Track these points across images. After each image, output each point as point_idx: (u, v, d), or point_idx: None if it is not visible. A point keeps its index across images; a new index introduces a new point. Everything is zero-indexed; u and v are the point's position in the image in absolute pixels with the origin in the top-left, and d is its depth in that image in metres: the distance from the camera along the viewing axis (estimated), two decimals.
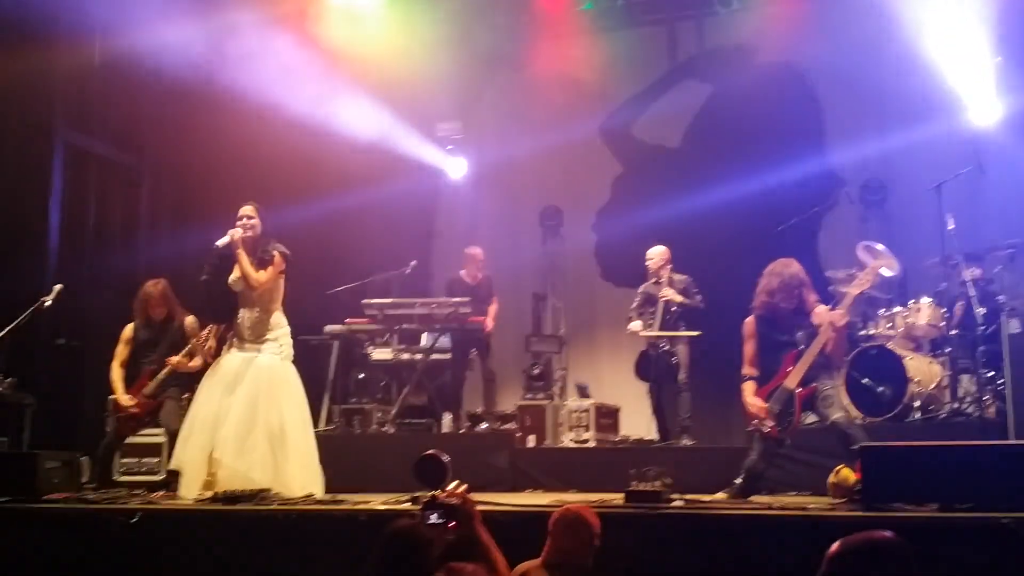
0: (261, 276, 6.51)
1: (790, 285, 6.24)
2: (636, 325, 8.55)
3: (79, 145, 9.87)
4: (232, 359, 6.59)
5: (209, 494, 6.22)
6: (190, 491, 6.39)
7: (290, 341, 6.74)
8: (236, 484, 6.19)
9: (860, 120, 10.07)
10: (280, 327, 6.68)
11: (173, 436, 7.53)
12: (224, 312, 6.70)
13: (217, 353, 6.95)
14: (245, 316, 6.61)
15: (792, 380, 6.08)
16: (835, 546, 2.84)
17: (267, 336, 6.60)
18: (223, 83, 9.40)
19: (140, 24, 9.09)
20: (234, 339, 6.65)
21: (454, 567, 3.35)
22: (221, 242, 6.51)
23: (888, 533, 2.87)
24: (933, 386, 7.77)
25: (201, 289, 6.73)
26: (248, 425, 6.38)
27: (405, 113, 10.66)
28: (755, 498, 6.11)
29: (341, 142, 10.19)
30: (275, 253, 6.58)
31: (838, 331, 6.15)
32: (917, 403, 7.65)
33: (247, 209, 6.66)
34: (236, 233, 6.51)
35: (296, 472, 6.43)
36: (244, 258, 6.48)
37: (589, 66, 10.91)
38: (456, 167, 11.32)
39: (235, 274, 6.56)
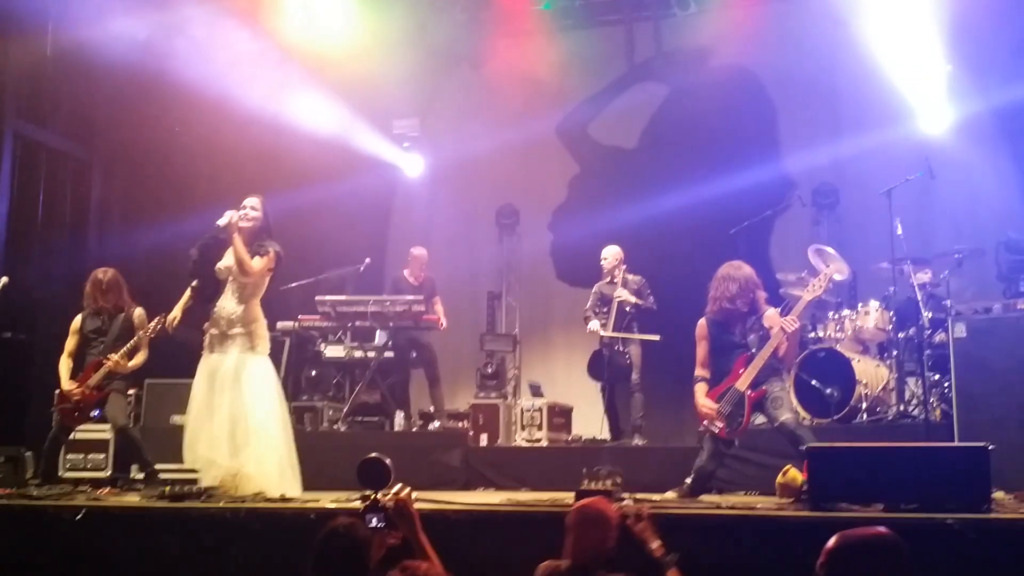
0: (255, 264, 6.45)
1: (746, 288, 6.30)
2: (595, 325, 8.57)
3: (29, 136, 9.71)
4: (214, 358, 6.53)
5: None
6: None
7: (266, 334, 6.67)
8: (243, 485, 6.22)
9: (813, 125, 10.19)
10: (257, 320, 6.61)
11: (119, 432, 7.47)
12: (205, 296, 6.62)
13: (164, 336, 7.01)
14: (224, 305, 6.54)
15: (743, 382, 6.13)
16: (833, 540, 2.90)
17: (242, 328, 6.52)
18: (176, 76, 9.30)
19: (93, 15, 8.97)
20: (210, 328, 6.58)
21: (408, 565, 3.34)
22: (221, 221, 6.40)
23: (884, 529, 2.94)
24: (880, 388, 7.88)
25: (188, 268, 6.64)
26: (232, 423, 6.35)
27: (362, 109, 10.60)
28: (704, 498, 6.16)
29: (297, 137, 10.11)
30: (270, 249, 6.55)
31: (790, 335, 6.21)
32: (864, 405, 7.75)
33: (252, 200, 6.62)
34: (233, 216, 6.43)
35: (274, 467, 6.39)
36: (239, 243, 6.40)
37: (547, 65, 10.92)
38: (413, 165, 11.28)
39: (225, 261, 6.51)
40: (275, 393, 6.62)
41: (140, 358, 7.26)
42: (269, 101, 9.76)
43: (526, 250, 11.26)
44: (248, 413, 6.38)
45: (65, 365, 7.27)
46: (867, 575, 2.82)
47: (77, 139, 10.28)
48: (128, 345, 7.15)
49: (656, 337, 8.47)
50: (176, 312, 6.99)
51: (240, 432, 6.35)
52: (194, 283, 6.77)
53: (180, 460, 8.12)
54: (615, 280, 8.61)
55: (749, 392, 6.12)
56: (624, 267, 8.67)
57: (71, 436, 7.76)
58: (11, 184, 9.41)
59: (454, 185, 11.37)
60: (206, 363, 6.56)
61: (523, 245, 11.27)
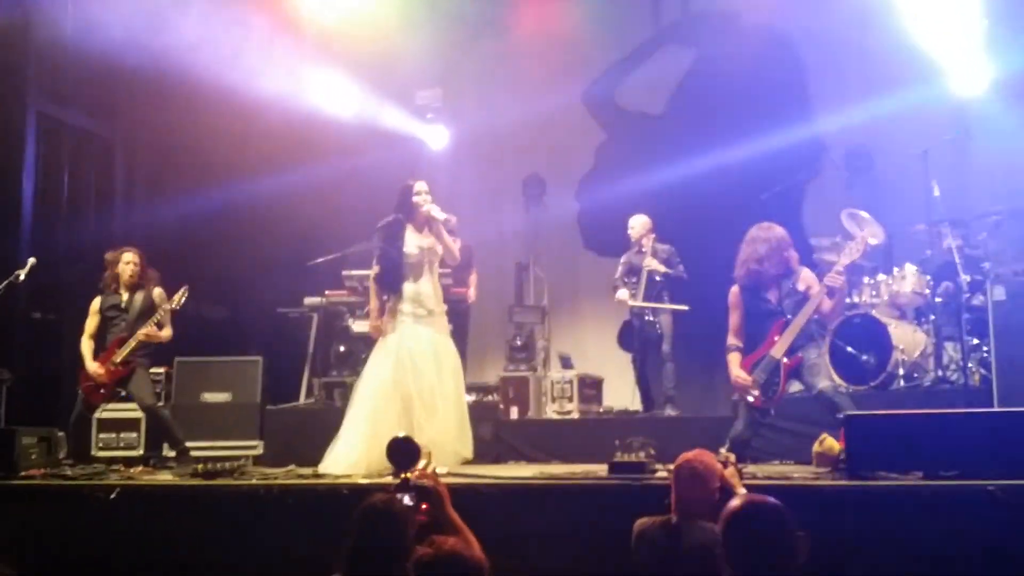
0: (457, 250, 6.81)
1: (776, 249, 6.18)
2: (624, 294, 8.49)
3: (52, 116, 9.69)
4: (408, 338, 6.58)
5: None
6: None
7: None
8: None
9: (845, 86, 9.97)
10: (443, 302, 6.87)
11: (147, 410, 7.50)
12: (393, 281, 6.70)
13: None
14: (419, 288, 6.65)
15: (779, 350, 6.04)
16: (734, 503, 3.10)
17: (438, 309, 6.72)
18: (197, 54, 9.23)
19: None
20: (399, 309, 6.64)
21: (437, 539, 3.32)
22: (439, 216, 6.68)
23: (771, 499, 3.11)
24: (917, 354, 7.75)
25: (377, 256, 6.80)
26: (437, 397, 6.49)
27: (384, 81, 10.50)
28: (741, 467, 6.08)
29: (319, 111, 10.04)
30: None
31: (838, 290, 6.10)
32: (901, 371, 7.64)
33: (423, 185, 6.79)
34: (435, 210, 6.69)
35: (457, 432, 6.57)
36: (446, 233, 6.72)
37: (571, 31, 10.77)
38: (437, 136, 11.18)
39: (424, 244, 6.66)
40: (459, 367, 6.88)
41: (167, 332, 7.30)
42: (290, 77, 9.67)
43: (553, 220, 11.14)
44: (449, 394, 6.57)
45: (87, 346, 7.34)
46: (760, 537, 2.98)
47: (99, 118, 10.24)
48: (153, 319, 7.18)
49: (685, 307, 8.38)
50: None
51: (438, 405, 6.49)
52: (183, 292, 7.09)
53: (213, 437, 8.26)
54: (644, 250, 8.51)
55: (785, 360, 6.03)
56: (653, 236, 8.57)
57: (101, 415, 7.81)
58: (36, 164, 9.41)
59: (479, 155, 11.27)
60: (393, 338, 6.61)
61: (550, 215, 11.15)
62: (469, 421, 6.77)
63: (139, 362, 7.24)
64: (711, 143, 9.76)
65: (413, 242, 6.67)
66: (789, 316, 6.08)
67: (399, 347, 6.56)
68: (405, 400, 6.44)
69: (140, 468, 7.04)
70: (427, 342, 6.58)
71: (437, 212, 6.68)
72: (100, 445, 8.32)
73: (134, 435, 8.40)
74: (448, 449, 6.33)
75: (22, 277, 7.55)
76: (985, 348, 7.25)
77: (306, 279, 9.44)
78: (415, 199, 6.69)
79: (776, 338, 6.06)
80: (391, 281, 6.70)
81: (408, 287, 6.63)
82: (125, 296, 7.35)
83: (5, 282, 7.48)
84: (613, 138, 11.18)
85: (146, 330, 7.14)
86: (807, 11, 9.95)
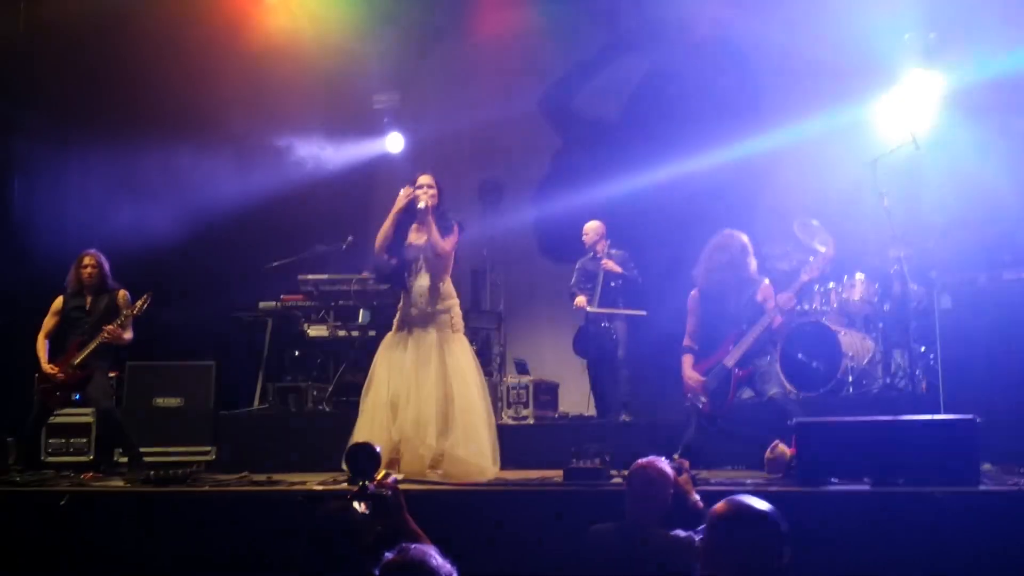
0: (446, 243, 6.47)
1: (738, 257, 6.28)
2: (582, 300, 8.54)
3: (3, 114, 9.53)
4: (411, 336, 6.44)
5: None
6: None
7: (460, 312, 6.65)
8: (450, 467, 6.12)
9: (797, 95, 10.08)
10: (452, 297, 6.59)
11: (102, 414, 7.42)
12: (397, 277, 6.60)
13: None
14: (420, 283, 6.49)
15: (731, 359, 6.12)
16: (720, 506, 2.99)
17: (440, 305, 6.48)
18: (153, 51, 9.15)
19: None
20: (407, 308, 6.51)
21: (405, 545, 3.32)
22: (420, 205, 6.40)
23: (765, 505, 2.98)
24: (866, 361, 7.89)
25: (383, 249, 6.56)
26: (439, 403, 6.26)
27: (342, 84, 10.46)
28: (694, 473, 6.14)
29: (275, 115, 9.98)
30: (453, 223, 6.54)
31: (786, 313, 6.21)
32: (850, 378, 7.76)
33: (427, 178, 6.58)
34: (424, 198, 6.42)
35: (482, 446, 6.29)
36: (433, 224, 6.40)
37: (529, 37, 10.79)
38: (394, 140, 11.16)
39: (415, 239, 6.50)
40: (476, 370, 6.57)
41: (129, 333, 7.25)
42: (247, 80, 9.62)
43: (510, 226, 11.17)
44: (455, 393, 6.31)
45: (42, 345, 7.26)
46: (745, 543, 2.90)
47: (50, 116, 10.09)
48: (116, 322, 7.12)
49: (642, 312, 8.45)
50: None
51: (448, 413, 6.27)
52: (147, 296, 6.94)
53: (165, 443, 8.18)
54: (598, 255, 8.57)
55: (736, 370, 6.11)
56: (607, 241, 8.64)
57: (51, 420, 7.70)
58: None
59: (436, 159, 11.14)
60: (396, 342, 6.48)
61: (507, 220, 11.17)
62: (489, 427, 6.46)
63: (98, 366, 7.17)
64: (666, 150, 9.82)
65: (412, 239, 6.55)
66: (744, 327, 6.16)
67: (392, 349, 6.48)
68: (393, 405, 6.32)
69: (90, 474, 6.94)
70: (430, 344, 6.41)
71: (421, 203, 6.44)
72: (49, 451, 8.21)
73: (84, 440, 8.30)
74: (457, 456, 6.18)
75: None
76: (932, 356, 7.38)
77: (261, 283, 9.37)
78: (417, 191, 6.50)
79: (731, 347, 6.14)
80: (394, 279, 6.65)
81: (412, 285, 6.53)
82: (89, 299, 7.30)
83: None
84: (569, 144, 11.23)
85: (110, 327, 7.07)
86: (760, 21, 10.04)
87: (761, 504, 2.98)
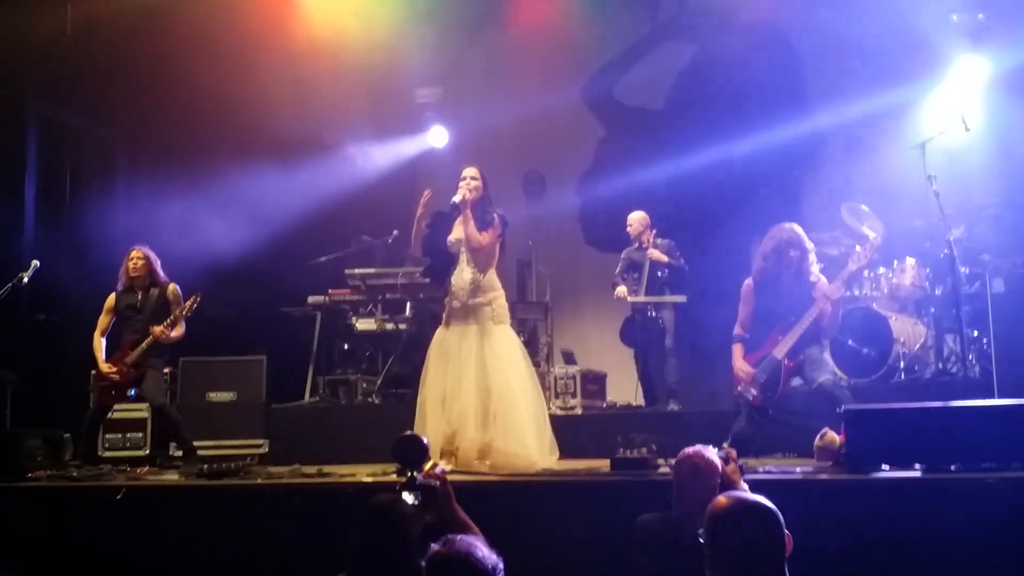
0: (483, 237, 6.46)
1: (784, 248, 6.22)
2: (622, 290, 8.52)
3: (52, 118, 9.71)
4: (455, 330, 6.48)
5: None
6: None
7: (505, 304, 6.62)
8: (493, 459, 6.14)
9: (843, 79, 9.98)
10: (494, 289, 6.56)
11: (157, 410, 7.54)
12: (440, 270, 6.65)
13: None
14: (462, 276, 6.52)
15: (780, 350, 6.08)
16: (721, 501, 2.98)
17: (481, 298, 6.48)
18: (197, 51, 9.25)
19: None
20: (452, 302, 6.55)
21: (450, 538, 3.35)
22: (456, 199, 6.43)
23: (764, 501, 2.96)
24: (918, 346, 7.79)
25: (418, 246, 6.64)
26: (480, 395, 6.28)
27: (385, 80, 10.51)
28: (743, 461, 6.11)
29: (320, 109, 10.06)
30: (496, 216, 6.55)
31: (833, 303, 6.15)
32: (902, 364, 7.67)
33: (471, 171, 6.61)
34: (465, 192, 6.44)
35: (526, 438, 6.26)
36: (470, 218, 6.42)
37: (570, 27, 10.76)
38: (437, 134, 11.20)
39: (456, 234, 6.52)
40: (522, 362, 6.55)
41: (179, 331, 7.33)
42: (292, 76, 9.70)
43: (554, 216, 11.16)
44: (495, 385, 6.31)
45: (99, 344, 7.36)
46: (746, 538, 2.88)
47: (100, 118, 10.26)
48: (165, 323, 7.21)
49: (682, 298, 8.40)
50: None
51: (487, 405, 6.27)
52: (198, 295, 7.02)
53: (218, 437, 8.30)
54: (644, 246, 8.54)
55: (786, 361, 6.07)
56: (653, 231, 8.60)
57: (109, 416, 7.84)
58: (37, 166, 9.43)
59: (479, 152, 11.19)
60: (445, 336, 6.53)
61: (551, 211, 11.16)
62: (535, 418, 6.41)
63: (152, 363, 7.28)
64: (710, 138, 9.77)
65: (454, 234, 6.57)
66: (794, 318, 6.12)
67: (440, 343, 6.52)
68: (443, 399, 6.35)
69: (146, 468, 7.06)
70: (472, 336, 6.42)
71: (457, 196, 6.45)
72: (106, 446, 8.35)
73: (140, 435, 8.43)
74: (508, 451, 6.15)
75: (25, 280, 7.58)
76: (985, 340, 7.28)
77: (309, 277, 9.46)
78: (460, 183, 6.51)
79: (780, 338, 6.10)
80: (437, 272, 6.68)
81: (454, 279, 6.55)
82: (140, 294, 7.41)
83: (8, 285, 7.51)
84: (612, 134, 11.19)
85: (158, 328, 7.18)
86: (803, 4, 9.96)
87: (760, 499, 2.97)
